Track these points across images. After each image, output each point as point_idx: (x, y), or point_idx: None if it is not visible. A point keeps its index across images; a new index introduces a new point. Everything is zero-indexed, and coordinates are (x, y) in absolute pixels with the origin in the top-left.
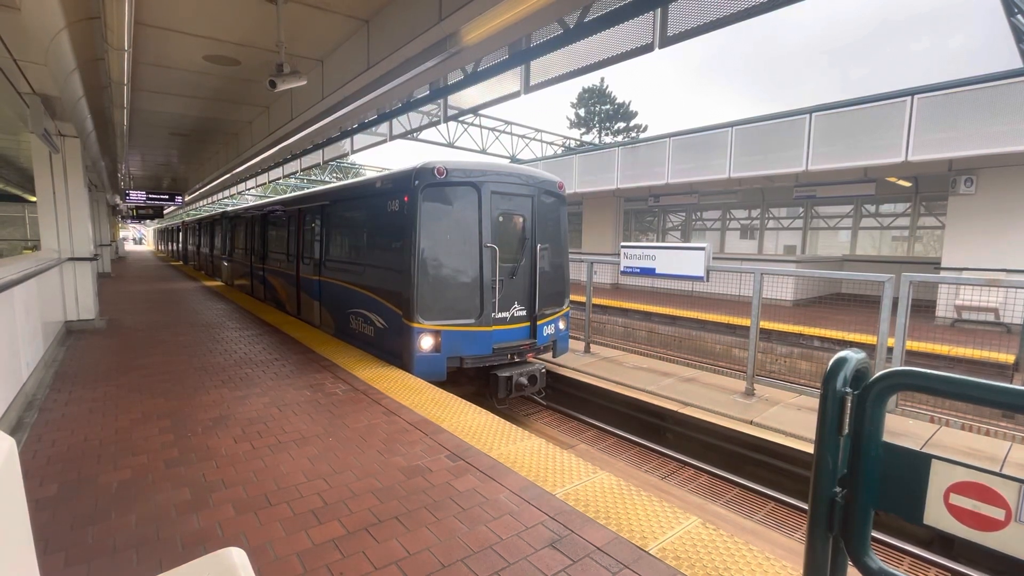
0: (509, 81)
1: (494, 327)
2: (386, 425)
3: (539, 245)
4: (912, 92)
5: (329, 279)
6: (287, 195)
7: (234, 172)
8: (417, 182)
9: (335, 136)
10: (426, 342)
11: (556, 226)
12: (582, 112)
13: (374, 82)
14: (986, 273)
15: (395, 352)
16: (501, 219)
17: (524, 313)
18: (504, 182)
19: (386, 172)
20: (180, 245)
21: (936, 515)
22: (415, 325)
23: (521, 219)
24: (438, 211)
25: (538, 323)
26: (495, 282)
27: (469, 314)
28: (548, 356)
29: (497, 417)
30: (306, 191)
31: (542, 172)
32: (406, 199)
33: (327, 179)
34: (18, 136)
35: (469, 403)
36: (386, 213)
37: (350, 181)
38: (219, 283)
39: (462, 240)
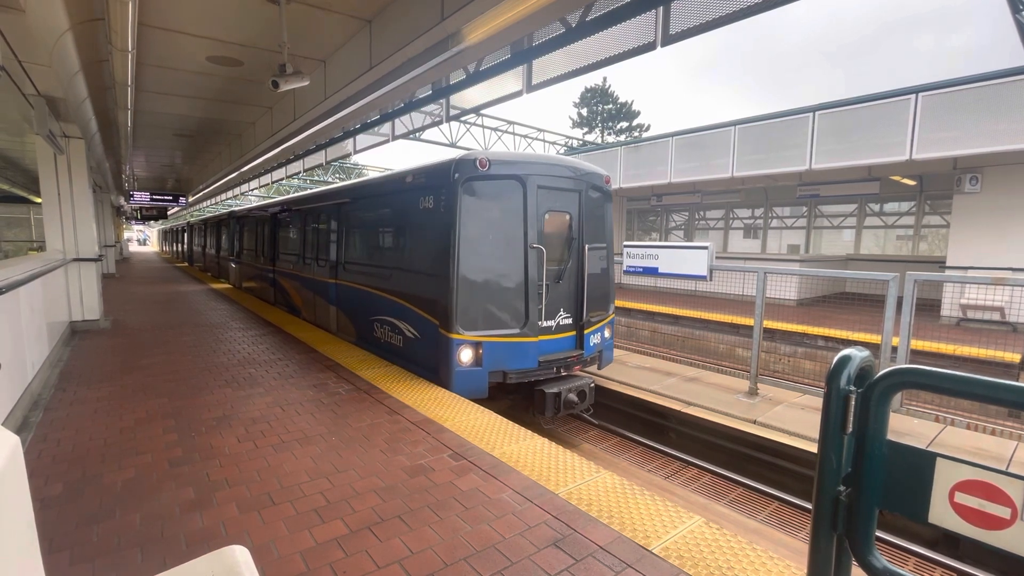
0: (511, 81)
1: (540, 337)
2: (389, 424)
3: (587, 245)
4: (916, 90)
5: (350, 283)
6: (301, 193)
7: (237, 173)
8: (457, 175)
9: (338, 136)
10: (466, 355)
11: (601, 224)
12: (584, 112)
13: (376, 82)
14: (991, 272)
15: (429, 365)
16: (547, 216)
17: (570, 321)
18: (550, 175)
19: (418, 166)
20: (185, 246)
21: (941, 514)
22: (454, 336)
23: (568, 216)
24: (480, 208)
25: (585, 332)
26: (541, 287)
27: (513, 323)
28: (592, 368)
29: (500, 416)
30: (324, 188)
31: (588, 164)
32: (444, 195)
33: (330, 179)
34: (23, 137)
35: (472, 403)
36: (418, 211)
37: (375, 176)
38: (226, 285)
39: (505, 241)
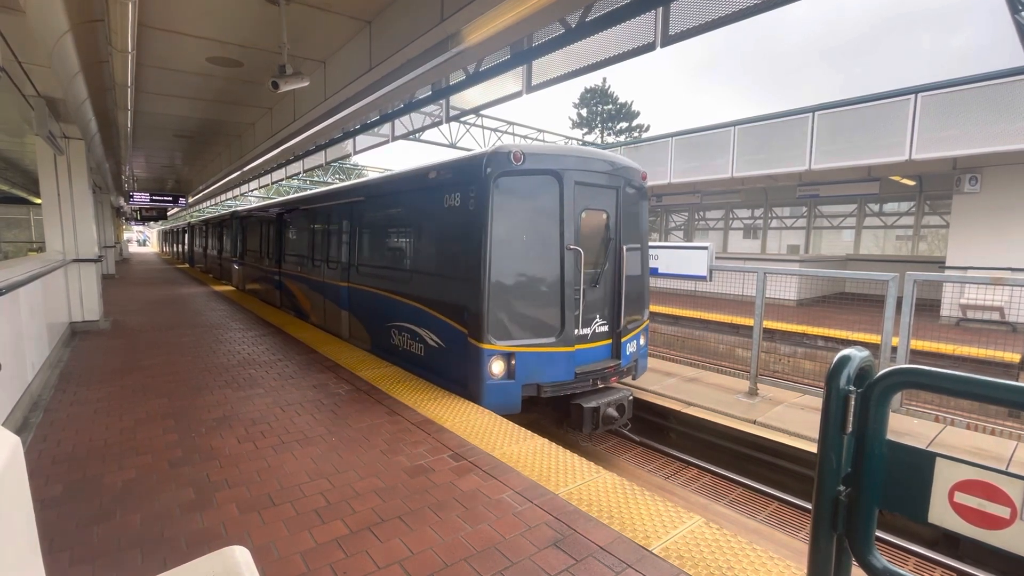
0: (511, 81)
1: (576, 346)
2: (389, 425)
3: (624, 247)
4: (916, 90)
5: (364, 287)
6: (311, 191)
7: (237, 174)
8: (489, 170)
9: (337, 137)
10: (497, 367)
11: (637, 223)
12: (584, 112)
13: (376, 83)
14: (991, 272)
15: (456, 378)
16: (583, 215)
17: (606, 329)
18: (587, 170)
19: (443, 161)
20: (186, 247)
21: (941, 514)
22: (485, 346)
23: (605, 215)
24: (513, 205)
25: (622, 340)
26: (578, 292)
27: (548, 331)
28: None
29: (500, 417)
30: (336, 186)
31: (624, 158)
32: (473, 191)
33: (330, 180)
34: (23, 138)
35: (472, 404)
36: (443, 209)
37: (393, 172)
38: (229, 287)
39: (540, 241)
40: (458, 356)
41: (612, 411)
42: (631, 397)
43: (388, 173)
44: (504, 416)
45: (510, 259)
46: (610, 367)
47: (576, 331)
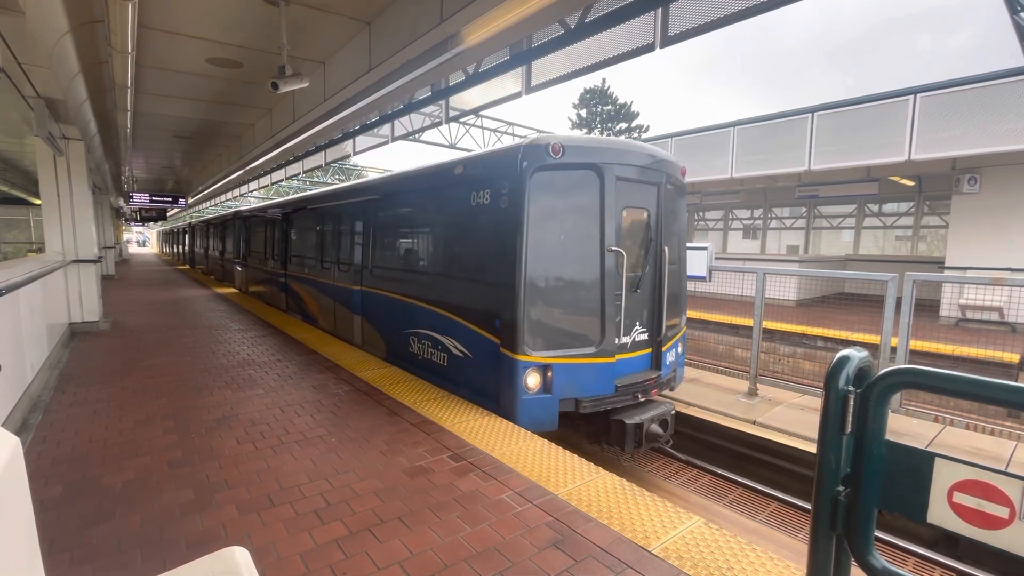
0: (510, 82)
1: (617, 356)
2: (389, 425)
3: (666, 248)
4: (915, 91)
5: (379, 291)
6: (320, 190)
7: (237, 174)
8: (525, 164)
9: (337, 138)
10: (533, 380)
11: (676, 223)
12: (584, 113)
13: (376, 84)
14: (990, 272)
15: (485, 391)
16: (624, 213)
17: (646, 337)
18: (629, 164)
19: (470, 155)
20: (186, 248)
21: (940, 514)
22: (520, 358)
23: (645, 213)
24: (550, 203)
25: (662, 348)
26: (620, 297)
27: (587, 340)
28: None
29: (499, 418)
30: (348, 184)
31: (665, 152)
32: (506, 188)
33: (330, 180)
34: (23, 139)
35: (471, 404)
36: (471, 207)
37: (413, 168)
38: (231, 289)
39: (579, 242)
40: (488, 368)
41: (656, 427)
42: (674, 411)
43: (406, 169)
44: (538, 434)
45: (547, 262)
46: (651, 379)
47: (617, 340)
